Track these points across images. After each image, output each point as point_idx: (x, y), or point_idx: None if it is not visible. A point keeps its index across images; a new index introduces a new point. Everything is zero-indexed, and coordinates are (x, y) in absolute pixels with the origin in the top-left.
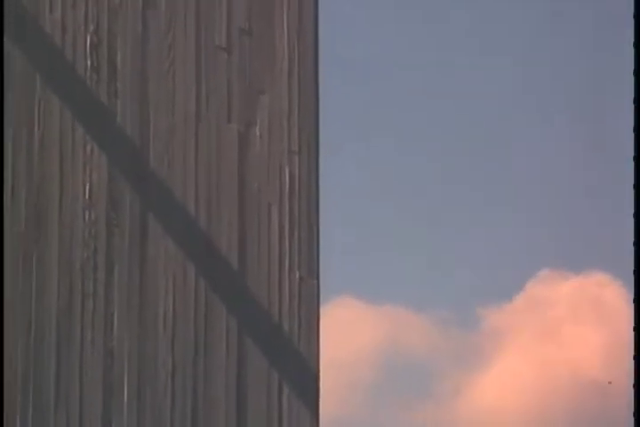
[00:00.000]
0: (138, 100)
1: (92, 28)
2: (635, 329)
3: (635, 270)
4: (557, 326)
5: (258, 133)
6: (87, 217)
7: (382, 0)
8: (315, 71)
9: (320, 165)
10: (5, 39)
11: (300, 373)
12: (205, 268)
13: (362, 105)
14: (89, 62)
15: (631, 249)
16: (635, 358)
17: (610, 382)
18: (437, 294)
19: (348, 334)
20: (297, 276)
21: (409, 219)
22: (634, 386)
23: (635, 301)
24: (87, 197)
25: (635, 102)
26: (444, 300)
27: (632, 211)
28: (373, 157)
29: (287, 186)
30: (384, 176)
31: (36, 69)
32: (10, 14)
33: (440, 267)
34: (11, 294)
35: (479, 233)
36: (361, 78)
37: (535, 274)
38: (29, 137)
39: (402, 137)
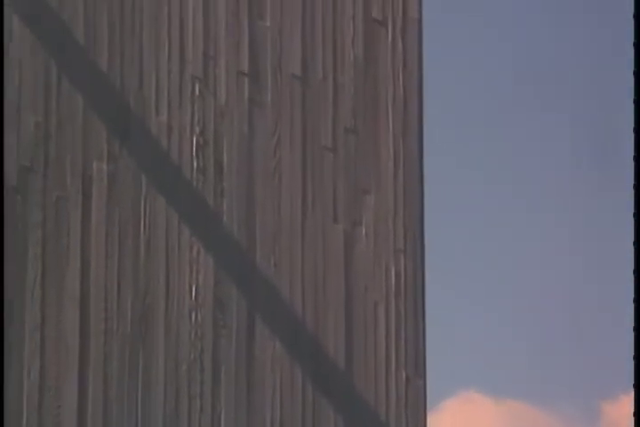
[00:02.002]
0: (244, 201)
1: (198, 129)
2: (635, 329)
3: (634, 270)
4: None
5: (364, 233)
6: (193, 318)
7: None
8: (420, 171)
9: (425, 263)
10: (112, 142)
11: None
12: (312, 368)
13: (466, 204)
14: (195, 163)
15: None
16: (635, 358)
17: None
18: (560, 388)
19: None
20: (403, 375)
21: (521, 312)
22: (634, 385)
23: (635, 301)
24: (193, 298)
25: (635, 102)
26: (566, 393)
27: (632, 211)
28: (478, 256)
29: (393, 285)
30: (490, 275)
31: (142, 171)
32: (116, 117)
33: (561, 360)
34: (116, 396)
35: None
36: (465, 178)
37: None
38: (135, 238)
39: (506, 239)
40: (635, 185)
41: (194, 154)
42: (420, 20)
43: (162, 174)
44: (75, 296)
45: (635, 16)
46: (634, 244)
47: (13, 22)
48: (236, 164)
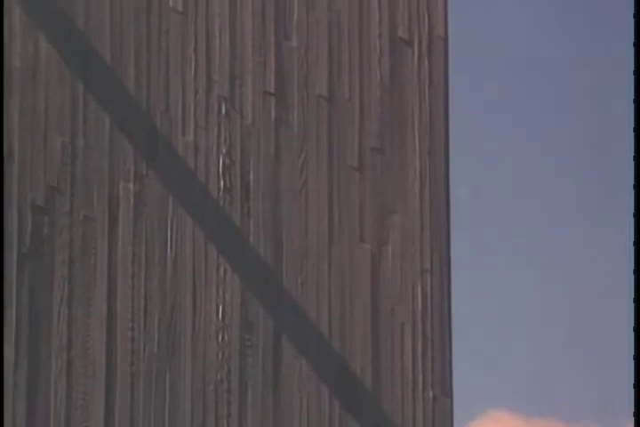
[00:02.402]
0: (271, 221)
1: (224, 149)
2: (635, 329)
3: (635, 269)
4: None
5: (390, 253)
6: (220, 338)
7: (514, 124)
8: (446, 190)
9: (452, 283)
10: (139, 162)
11: None
12: (339, 388)
13: (493, 225)
14: (222, 183)
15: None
16: (635, 358)
17: None
18: (589, 406)
19: None
20: (430, 395)
21: (550, 330)
22: (634, 386)
23: (635, 301)
24: (220, 317)
25: (635, 102)
26: (595, 411)
27: (632, 211)
28: (504, 277)
29: (420, 305)
30: (516, 296)
31: (169, 191)
32: (143, 137)
33: (591, 378)
34: (143, 415)
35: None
36: (491, 199)
37: None
38: (162, 258)
39: (535, 260)
40: (635, 185)
41: (220, 174)
42: (445, 39)
43: (188, 194)
44: (102, 316)
45: (635, 16)
46: (634, 244)
47: (40, 43)
48: (262, 183)
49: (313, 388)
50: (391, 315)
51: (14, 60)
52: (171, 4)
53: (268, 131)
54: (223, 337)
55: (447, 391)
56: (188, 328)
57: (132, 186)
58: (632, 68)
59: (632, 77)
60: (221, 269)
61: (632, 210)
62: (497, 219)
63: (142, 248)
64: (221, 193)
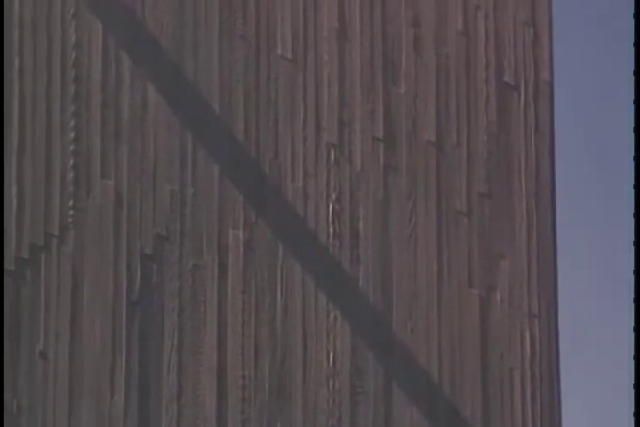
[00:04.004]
0: (380, 267)
1: (334, 195)
2: (634, 329)
3: (634, 270)
4: None
5: (498, 298)
6: (331, 385)
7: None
8: (553, 235)
9: (559, 328)
10: (248, 209)
11: None
12: None
13: (600, 269)
14: (331, 230)
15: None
16: (635, 358)
17: None
18: None
19: None
20: None
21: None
22: (634, 386)
23: (635, 301)
24: (331, 364)
25: (635, 102)
26: None
27: (632, 211)
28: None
29: (528, 350)
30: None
31: (278, 238)
32: (252, 184)
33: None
34: None
35: None
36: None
37: None
38: (272, 305)
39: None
40: (635, 185)
41: (330, 220)
42: (551, 84)
43: (298, 241)
44: (212, 364)
45: (635, 16)
46: (634, 244)
47: (149, 92)
48: (371, 229)
49: None
50: (500, 360)
51: (123, 109)
52: (279, 52)
53: (377, 177)
54: (334, 384)
55: None
56: (299, 375)
57: (241, 234)
58: (632, 68)
59: (632, 77)
60: (331, 315)
61: (632, 210)
62: (603, 263)
63: (252, 296)
64: (331, 239)
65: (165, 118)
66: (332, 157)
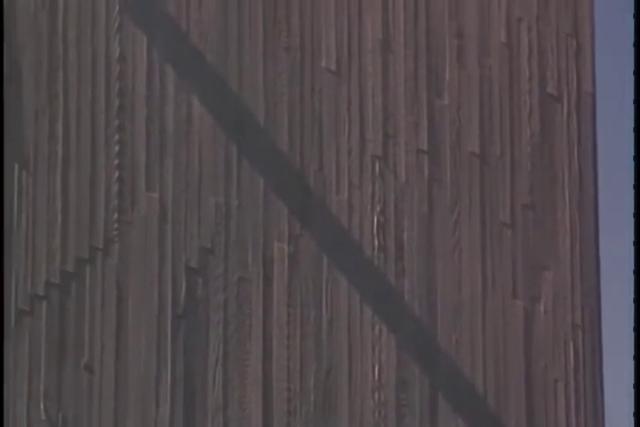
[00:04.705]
0: (425, 279)
1: (378, 207)
2: (635, 329)
3: (634, 270)
4: None
5: (542, 309)
6: (377, 398)
7: None
8: (596, 246)
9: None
10: (293, 222)
11: None
12: None
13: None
14: (376, 242)
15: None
16: (635, 358)
17: None
18: None
19: None
20: None
21: None
22: (634, 386)
23: (635, 301)
24: (376, 377)
25: (635, 102)
26: None
27: (632, 211)
28: None
29: (572, 361)
30: None
31: (323, 250)
32: (297, 197)
33: None
34: None
35: None
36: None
37: None
38: (317, 318)
39: None
40: (635, 185)
41: (374, 232)
42: (593, 95)
43: (342, 254)
44: (257, 377)
45: (635, 16)
46: (634, 244)
47: (193, 105)
48: (416, 241)
49: None
50: (544, 372)
51: (168, 122)
52: (324, 64)
53: (422, 189)
54: (379, 396)
55: None
56: (344, 388)
57: (286, 246)
58: (632, 68)
59: (632, 77)
60: (376, 328)
61: (632, 210)
62: None
63: (297, 308)
64: (375, 252)
65: (210, 131)
66: (377, 169)
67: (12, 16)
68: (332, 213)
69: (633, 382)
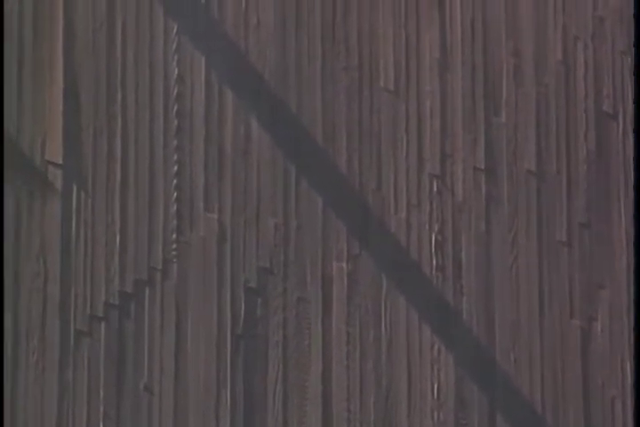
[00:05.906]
0: (483, 298)
1: (436, 226)
2: (634, 329)
3: (634, 269)
4: None
5: (599, 328)
6: (436, 417)
7: None
8: None
9: None
10: (351, 241)
11: None
12: None
13: None
14: (434, 261)
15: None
16: (635, 357)
17: None
18: None
19: None
20: None
21: None
22: (634, 385)
23: (634, 301)
24: (435, 396)
25: (635, 102)
26: None
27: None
28: None
29: (629, 379)
30: None
31: (381, 270)
32: (355, 216)
33: None
34: None
35: None
36: None
37: None
38: (376, 338)
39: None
40: (635, 185)
41: (433, 251)
42: None
43: (401, 273)
44: (317, 397)
45: (635, 16)
46: (634, 244)
47: (251, 125)
48: (474, 260)
49: None
50: (602, 390)
51: (226, 142)
52: (382, 84)
53: (479, 207)
54: (438, 415)
55: None
56: (404, 407)
57: (345, 265)
58: (632, 68)
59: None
60: (435, 347)
61: (632, 210)
62: None
63: (356, 328)
64: (434, 271)
65: (268, 151)
66: (435, 188)
67: (71, 35)
68: (391, 232)
69: (633, 381)
